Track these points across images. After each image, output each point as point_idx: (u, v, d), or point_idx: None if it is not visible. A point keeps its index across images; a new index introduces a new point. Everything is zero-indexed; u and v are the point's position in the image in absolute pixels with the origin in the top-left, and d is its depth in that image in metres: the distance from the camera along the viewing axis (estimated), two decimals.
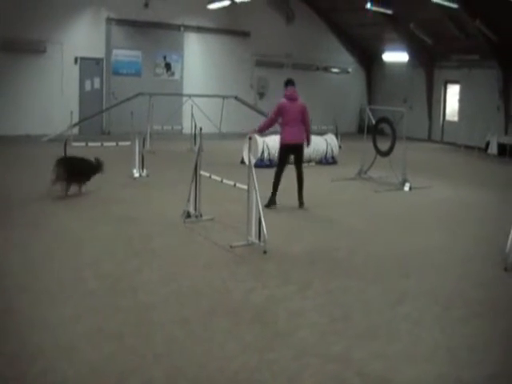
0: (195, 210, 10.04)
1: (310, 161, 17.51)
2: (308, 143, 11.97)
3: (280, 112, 11.35)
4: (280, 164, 11.71)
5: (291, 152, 11.69)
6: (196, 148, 10.93)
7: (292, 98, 11.44)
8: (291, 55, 28.44)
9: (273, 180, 11.51)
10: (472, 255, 9.05)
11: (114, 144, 16.37)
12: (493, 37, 24.20)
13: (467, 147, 24.38)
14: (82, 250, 8.31)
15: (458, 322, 6.36)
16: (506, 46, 24.76)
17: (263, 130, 12.19)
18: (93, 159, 12.02)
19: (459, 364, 5.40)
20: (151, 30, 24.22)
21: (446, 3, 21.77)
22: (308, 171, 16.38)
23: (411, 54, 28.89)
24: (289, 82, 11.76)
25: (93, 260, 7.86)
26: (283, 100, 11.46)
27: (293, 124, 11.33)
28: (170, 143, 20.27)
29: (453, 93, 29.07)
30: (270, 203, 11.28)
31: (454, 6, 22.06)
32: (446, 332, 6.09)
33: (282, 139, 11.64)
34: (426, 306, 6.79)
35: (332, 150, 18.21)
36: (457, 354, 5.60)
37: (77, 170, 11.55)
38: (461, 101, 28.31)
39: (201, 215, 10.09)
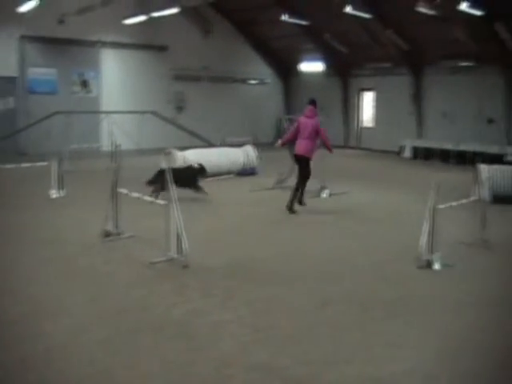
0: (115, 228, 9.96)
1: (229, 173, 17.64)
2: (329, 151, 13.38)
3: (297, 126, 12.91)
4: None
5: (297, 161, 13.14)
6: (114, 165, 10.85)
7: (307, 116, 12.92)
8: (209, 68, 28.61)
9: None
10: (388, 256, 9.38)
11: (30, 165, 15.99)
12: (404, 45, 25.04)
13: (383, 152, 25.13)
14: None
15: (376, 322, 6.60)
16: (416, 53, 25.72)
17: (285, 143, 13.65)
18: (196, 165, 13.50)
19: (378, 362, 5.60)
20: (67, 47, 23.98)
21: (360, 14, 22.40)
22: (227, 183, 16.65)
23: (327, 64, 29.54)
24: (310, 102, 13.23)
25: (12, 285, 7.69)
26: (302, 116, 13.06)
27: (303, 138, 12.78)
28: (88, 162, 19.94)
29: (368, 100, 29.82)
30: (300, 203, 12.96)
31: (367, 16, 22.76)
32: (365, 332, 6.30)
33: None
34: (346, 309, 6.99)
35: (251, 161, 18.38)
36: (375, 352, 5.81)
37: (183, 177, 12.52)
38: (375, 107, 29.13)
39: (120, 233, 10.01)
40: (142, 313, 6.75)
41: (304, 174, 12.99)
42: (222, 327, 6.34)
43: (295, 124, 13.23)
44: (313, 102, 13.22)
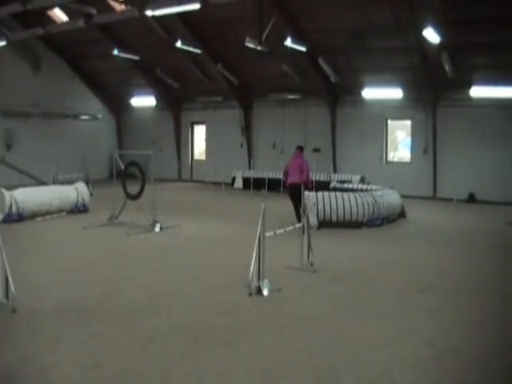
0: None
1: (60, 211, 17.25)
2: (306, 186, 15.00)
3: (287, 166, 16.39)
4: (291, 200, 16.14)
5: (290, 190, 15.98)
6: None
7: (294, 157, 16.39)
8: (39, 104, 27.82)
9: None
10: (219, 286, 9.62)
11: None
12: (233, 79, 25.86)
13: (215, 183, 25.67)
14: None
15: (206, 352, 6.74)
16: (245, 87, 26.67)
17: (284, 179, 16.59)
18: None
19: None
20: None
21: (190, 48, 22.89)
22: (59, 221, 16.29)
23: (158, 98, 29.83)
24: (298, 147, 16.83)
25: None
26: (290, 158, 16.74)
27: (292, 173, 15.93)
28: None
29: (199, 133, 30.39)
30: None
31: (198, 51, 23.31)
32: (196, 363, 6.43)
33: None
34: (176, 341, 7.09)
35: (83, 198, 18.06)
36: (206, 380, 5.99)
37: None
38: (207, 140, 29.73)
39: None
40: None
41: (297, 203, 15.11)
42: (51, 370, 6.22)
43: (286, 166, 16.56)
44: (300, 148, 16.81)
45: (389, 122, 24.57)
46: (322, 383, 6.00)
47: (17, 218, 15.85)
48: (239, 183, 25.71)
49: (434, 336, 7.32)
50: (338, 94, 24.66)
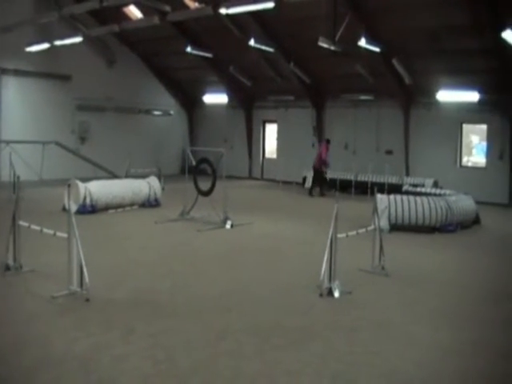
0: (14, 261, 9.71)
1: (132, 204, 17.53)
2: (323, 166, 23.42)
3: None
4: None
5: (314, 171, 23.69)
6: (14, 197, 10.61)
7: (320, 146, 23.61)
8: (113, 99, 28.36)
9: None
10: (291, 286, 9.56)
11: None
12: (306, 79, 25.74)
13: (285, 182, 25.57)
14: None
15: (276, 351, 6.70)
16: (317, 87, 26.50)
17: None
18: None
19: None
20: None
21: (263, 47, 22.89)
22: (131, 214, 16.58)
23: (231, 96, 29.92)
24: (326, 140, 23.82)
25: None
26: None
27: (316, 159, 23.32)
28: None
29: (271, 132, 30.37)
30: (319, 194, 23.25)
31: (271, 49, 23.28)
32: (266, 361, 6.40)
33: None
34: (247, 338, 7.07)
35: (155, 193, 18.33)
36: (276, 380, 5.92)
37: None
38: (278, 139, 29.67)
39: (21, 267, 9.77)
40: (42, 349, 6.58)
41: (318, 178, 23.44)
42: (123, 361, 6.30)
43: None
44: (327, 140, 23.61)
45: (464, 125, 23.96)
46: None
47: (90, 209, 16.22)
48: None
49: (510, 348, 7.08)
50: (412, 96, 24.19)
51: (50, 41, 21.98)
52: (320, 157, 23.07)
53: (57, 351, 6.55)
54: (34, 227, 9.51)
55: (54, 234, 9.08)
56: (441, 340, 7.25)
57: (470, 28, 18.87)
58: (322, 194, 23.26)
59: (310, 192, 23.36)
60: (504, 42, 17.62)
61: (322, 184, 23.67)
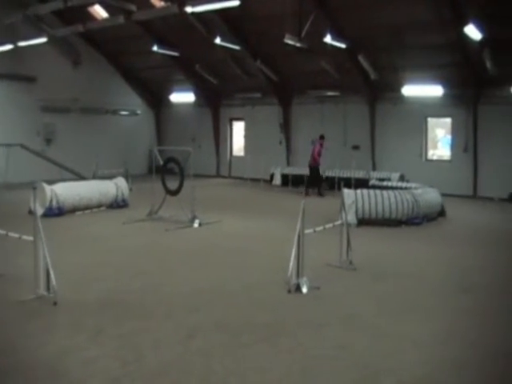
0: None
1: (100, 205, 17.44)
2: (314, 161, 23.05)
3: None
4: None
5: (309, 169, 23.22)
6: None
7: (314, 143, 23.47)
8: (79, 99, 28.07)
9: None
10: (259, 283, 9.61)
11: None
12: (273, 76, 25.82)
13: (253, 180, 25.65)
14: None
15: (246, 348, 6.74)
16: (284, 84, 26.59)
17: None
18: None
19: None
20: None
21: (230, 45, 22.90)
22: (99, 216, 16.50)
23: (197, 94, 29.88)
24: (320, 136, 23.29)
25: None
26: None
27: (311, 156, 22.98)
28: None
29: (238, 129, 30.41)
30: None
31: (237, 47, 23.30)
32: (236, 359, 6.44)
33: None
34: (216, 336, 7.10)
35: (122, 193, 18.25)
36: (247, 376, 5.97)
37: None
38: (246, 137, 29.71)
39: None
40: (8, 357, 6.49)
41: (313, 176, 22.89)
42: (92, 363, 6.28)
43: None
44: (321, 136, 23.17)
45: (429, 119, 24.25)
46: (362, 382, 5.96)
47: (57, 212, 16.08)
48: (277, 180, 25.69)
49: (478, 337, 7.21)
50: (378, 91, 24.42)
51: (13, 42, 21.72)
52: (316, 154, 22.66)
53: (24, 357, 6.47)
54: (0, 231, 9.42)
55: (20, 238, 8.99)
56: (408, 331, 7.36)
57: (433, 23, 19.13)
58: (319, 194, 22.45)
59: (306, 191, 21.01)
60: (466, 37, 17.91)
61: (319, 183, 23.00)
